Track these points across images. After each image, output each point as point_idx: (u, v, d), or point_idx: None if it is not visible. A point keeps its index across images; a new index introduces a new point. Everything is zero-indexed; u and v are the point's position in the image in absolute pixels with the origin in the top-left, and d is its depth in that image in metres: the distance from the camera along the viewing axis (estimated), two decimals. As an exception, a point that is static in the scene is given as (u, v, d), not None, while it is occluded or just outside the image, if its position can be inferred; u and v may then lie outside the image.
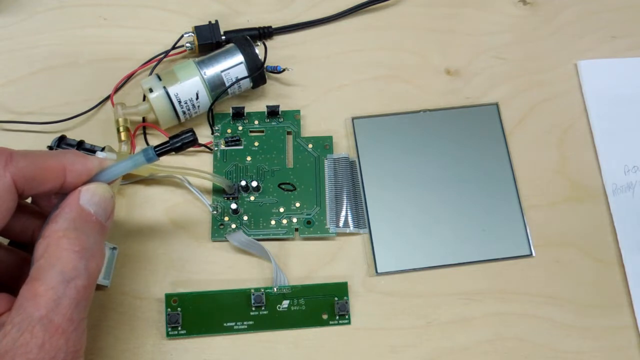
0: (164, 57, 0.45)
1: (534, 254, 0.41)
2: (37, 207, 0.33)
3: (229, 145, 0.43)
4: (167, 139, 0.33)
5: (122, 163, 0.32)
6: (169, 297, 0.38)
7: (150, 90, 0.41)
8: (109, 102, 0.44)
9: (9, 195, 0.28)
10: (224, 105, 0.44)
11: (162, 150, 0.32)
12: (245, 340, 0.39)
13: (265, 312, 0.39)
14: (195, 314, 0.38)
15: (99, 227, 0.30)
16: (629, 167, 0.44)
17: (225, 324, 0.38)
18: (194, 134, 0.33)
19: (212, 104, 0.42)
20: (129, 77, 0.45)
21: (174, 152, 0.33)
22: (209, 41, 0.44)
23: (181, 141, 0.33)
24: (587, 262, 0.42)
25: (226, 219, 0.41)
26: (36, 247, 0.28)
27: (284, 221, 0.41)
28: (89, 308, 0.28)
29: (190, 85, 0.41)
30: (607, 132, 0.45)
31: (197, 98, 0.41)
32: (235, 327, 0.38)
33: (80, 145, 0.41)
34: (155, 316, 0.39)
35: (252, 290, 0.38)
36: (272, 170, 0.42)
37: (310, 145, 0.43)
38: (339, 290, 0.39)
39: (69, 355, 0.27)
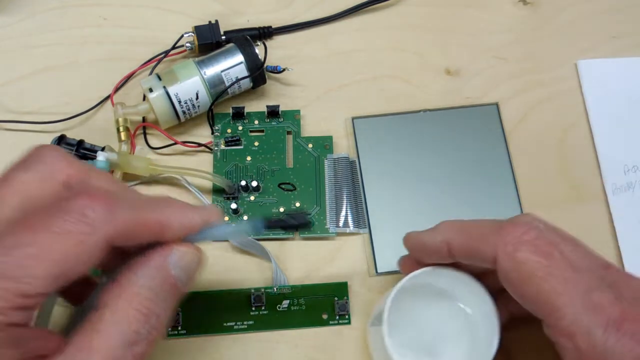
0: (164, 57, 0.45)
1: (534, 254, 0.41)
2: None
3: (229, 145, 0.43)
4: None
5: (223, 227, 0.30)
6: (169, 297, 0.38)
7: (150, 90, 0.41)
8: (109, 102, 0.44)
9: (99, 252, 0.25)
10: (224, 105, 0.44)
11: (271, 224, 0.31)
12: (245, 340, 0.39)
13: (265, 312, 0.39)
14: (195, 314, 0.38)
15: (175, 293, 0.28)
16: (628, 166, 0.44)
17: (225, 324, 0.38)
18: (310, 218, 0.32)
19: (212, 104, 0.42)
20: (129, 77, 0.45)
21: (282, 229, 0.32)
22: (209, 41, 0.44)
23: (297, 221, 0.32)
24: (587, 262, 0.42)
25: (226, 218, 0.41)
26: (105, 289, 0.26)
27: (284, 221, 0.41)
28: None
29: (190, 85, 0.41)
30: (607, 132, 0.45)
31: (197, 98, 0.41)
32: (235, 327, 0.38)
33: (80, 145, 0.41)
34: (155, 316, 0.39)
35: (252, 290, 0.38)
36: (272, 170, 0.42)
37: (310, 145, 0.43)
38: (339, 290, 0.39)
39: None
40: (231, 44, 0.43)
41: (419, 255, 0.34)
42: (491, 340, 0.32)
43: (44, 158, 0.27)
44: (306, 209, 0.32)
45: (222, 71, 0.42)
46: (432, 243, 0.33)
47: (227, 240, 0.32)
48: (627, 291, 0.29)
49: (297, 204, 0.41)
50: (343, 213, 0.41)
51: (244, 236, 0.31)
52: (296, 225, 0.32)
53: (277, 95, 0.45)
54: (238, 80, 0.42)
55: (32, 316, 0.25)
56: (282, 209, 0.41)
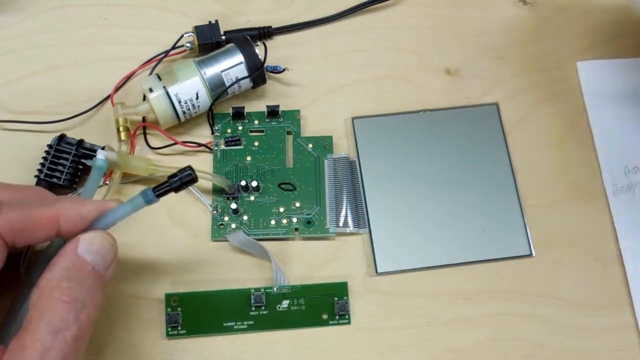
0: (164, 57, 0.45)
1: (534, 254, 0.41)
2: None
3: (229, 145, 0.43)
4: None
5: (121, 209, 0.31)
6: (169, 297, 0.38)
7: (150, 90, 0.41)
8: (109, 102, 0.44)
9: None
10: (224, 105, 0.44)
11: (161, 191, 0.32)
12: (245, 340, 0.39)
13: (265, 312, 0.38)
14: (195, 314, 0.38)
15: (96, 277, 0.29)
16: (629, 167, 0.44)
17: (225, 324, 0.38)
18: (192, 172, 0.32)
19: (212, 104, 0.42)
20: (129, 77, 0.45)
21: (174, 192, 0.32)
22: (209, 41, 0.44)
23: (180, 180, 0.32)
24: (587, 262, 0.42)
25: (226, 219, 0.41)
26: (30, 296, 0.28)
27: (284, 221, 0.41)
28: (81, 358, 0.28)
29: (190, 85, 0.41)
30: (607, 133, 0.45)
31: (197, 98, 0.41)
32: (235, 327, 0.38)
33: (80, 145, 0.41)
34: (155, 316, 0.39)
35: (252, 290, 0.38)
36: (272, 170, 0.42)
37: (310, 145, 0.43)
38: (339, 290, 0.39)
39: None
40: (231, 44, 0.43)
41: None
42: None
43: None
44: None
45: (222, 71, 0.42)
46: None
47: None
48: None
49: (297, 204, 0.41)
50: (343, 213, 0.41)
51: (138, 209, 0.32)
52: (180, 183, 0.32)
53: (277, 95, 0.45)
54: (238, 80, 0.42)
55: None
56: (282, 209, 0.41)
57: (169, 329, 0.38)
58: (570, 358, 0.39)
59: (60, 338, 0.26)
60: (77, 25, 0.46)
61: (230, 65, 0.42)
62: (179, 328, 0.38)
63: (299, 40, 0.47)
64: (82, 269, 0.29)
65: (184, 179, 0.32)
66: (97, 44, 0.46)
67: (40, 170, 0.40)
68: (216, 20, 0.45)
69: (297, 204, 0.41)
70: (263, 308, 0.38)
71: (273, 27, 0.46)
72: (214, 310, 0.38)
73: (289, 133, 0.44)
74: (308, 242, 0.41)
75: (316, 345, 0.39)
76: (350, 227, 0.41)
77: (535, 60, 0.47)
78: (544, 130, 0.45)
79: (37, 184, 0.40)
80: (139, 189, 0.42)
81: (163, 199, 0.41)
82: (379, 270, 0.40)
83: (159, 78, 0.41)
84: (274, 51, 0.46)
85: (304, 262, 0.41)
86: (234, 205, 0.41)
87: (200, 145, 0.43)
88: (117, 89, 0.44)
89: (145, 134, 0.43)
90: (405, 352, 0.39)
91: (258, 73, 0.42)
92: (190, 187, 0.41)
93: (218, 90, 0.42)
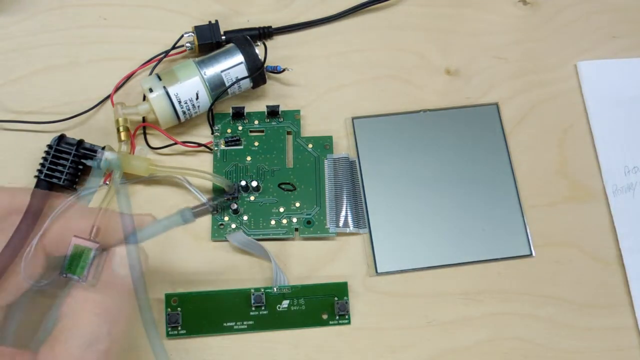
0: (164, 57, 0.45)
1: (534, 254, 0.41)
2: None
3: (229, 145, 0.43)
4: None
5: (156, 225, 0.32)
6: (169, 297, 0.38)
7: (150, 90, 0.41)
8: (109, 102, 0.44)
9: (36, 261, 0.28)
10: (224, 105, 0.44)
11: (199, 211, 0.32)
12: (245, 340, 0.39)
13: (265, 312, 0.39)
14: (195, 314, 0.38)
15: (128, 290, 0.29)
16: (629, 167, 0.44)
17: (225, 324, 0.38)
18: (224, 201, 0.33)
19: (212, 104, 0.42)
20: (129, 77, 0.45)
21: (211, 214, 0.33)
22: (209, 41, 0.44)
23: (219, 204, 0.33)
24: (587, 262, 0.42)
25: (226, 219, 0.41)
26: (62, 304, 0.28)
27: (284, 221, 0.41)
28: None
29: (190, 85, 0.41)
30: (607, 133, 0.45)
31: (197, 98, 0.41)
32: (235, 327, 0.38)
33: (80, 145, 0.41)
34: (155, 316, 0.39)
35: (252, 290, 0.38)
36: (272, 170, 0.42)
37: (310, 145, 0.43)
38: (339, 290, 0.39)
39: None
40: (231, 44, 0.43)
41: None
42: None
43: None
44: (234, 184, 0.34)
45: (222, 71, 0.42)
46: None
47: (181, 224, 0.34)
48: None
49: (297, 204, 0.41)
50: (343, 213, 0.41)
51: (173, 226, 0.33)
52: (217, 206, 0.33)
53: (277, 95, 0.45)
54: (238, 80, 0.42)
55: None
56: (282, 209, 0.41)
57: (169, 329, 0.38)
58: (570, 358, 0.39)
59: (93, 351, 0.27)
60: (77, 25, 0.46)
61: (230, 65, 0.42)
62: (179, 328, 0.38)
63: (299, 40, 0.47)
64: (115, 282, 0.29)
65: (223, 204, 0.33)
66: (97, 44, 0.46)
67: (40, 171, 0.40)
68: (216, 20, 0.45)
69: (297, 204, 0.41)
70: (263, 308, 0.38)
71: (273, 27, 0.46)
72: (214, 310, 0.38)
73: (289, 133, 0.44)
74: (308, 242, 0.41)
75: (316, 345, 0.39)
76: (350, 227, 0.41)
77: (535, 60, 0.47)
78: (544, 130, 0.45)
79: (37, 184, 0.40)
80: (139, 189, 0.42)
81: (161, 199, 0.42)
82: (379, 270, 0.40)
83: (159, 78, 0.41)
84: (274, 51, 0.46)
85: (304, 262, 0.41)
86: (234, 206, 0.41)
87: (200, 145, 0.43)
88: (117, 89, 0.44)
89: (145, 134, 0.43)
90: (405, 352, 0.39)
91: (258, 73, 0.42)
92: (189, 187, 0.41)
93: (218, 90, 0.42)
